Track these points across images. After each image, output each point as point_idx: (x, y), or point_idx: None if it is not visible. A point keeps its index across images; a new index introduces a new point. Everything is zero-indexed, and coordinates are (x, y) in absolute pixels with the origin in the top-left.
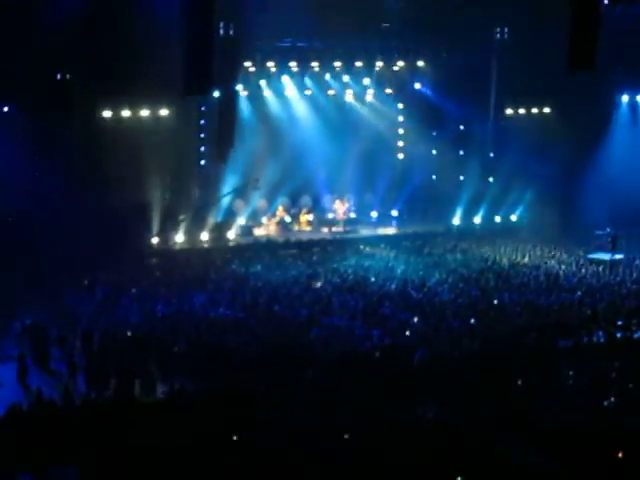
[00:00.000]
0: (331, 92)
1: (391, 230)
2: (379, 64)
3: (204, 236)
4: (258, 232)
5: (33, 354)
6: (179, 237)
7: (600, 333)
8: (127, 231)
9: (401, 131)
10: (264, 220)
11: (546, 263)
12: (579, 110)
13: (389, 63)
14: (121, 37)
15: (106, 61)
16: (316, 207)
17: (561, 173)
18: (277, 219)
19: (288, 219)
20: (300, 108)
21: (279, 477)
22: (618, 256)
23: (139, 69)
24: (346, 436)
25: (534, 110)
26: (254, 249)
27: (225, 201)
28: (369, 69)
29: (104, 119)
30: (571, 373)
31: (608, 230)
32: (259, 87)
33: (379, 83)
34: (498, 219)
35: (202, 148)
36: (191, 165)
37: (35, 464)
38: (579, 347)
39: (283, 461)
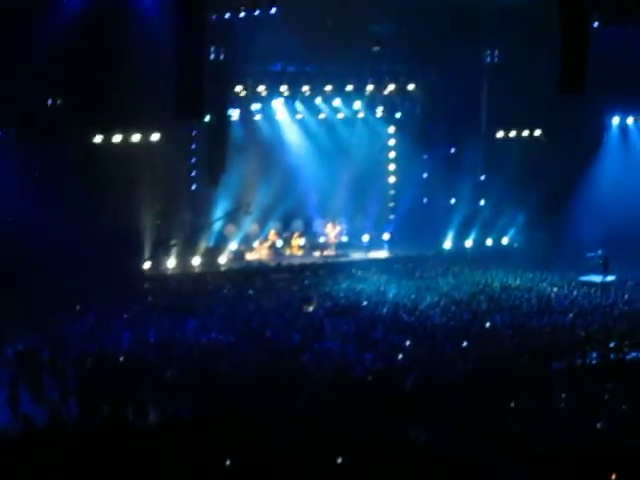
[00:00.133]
0: (322, 116)
1: (383, 254)
2: (370, 88)
3: (196, 261)
4: (250, 256)
5: (25, 379)
6: (171, 262)
7: (593, 355)
8: (118, 256)
9: (392, 154)
10: (256, 244)
11: (538, 285)
12: (570, 133)
13: (380, 86)
14: (112, 62)
15: (97, 86)
16: (308, 231)
17: (552, 196)
18: (269, 243)
19: (280, 243)
20: (291, 132)
21: None
22: (610, 278)
23: (130, 94)
24: (339, 460)
25: (525, 133)
26: (246, 274)
27: (217, 226)
28: (360, 93)
29: (95, 144)
30: (564, 395)
31: (599, 252)
32: (250, 111)
33: (370, 106)
34: (489, 242)
35: (193, 173)
36: (182, 190)
37: None
38: (572, 369)
39: None
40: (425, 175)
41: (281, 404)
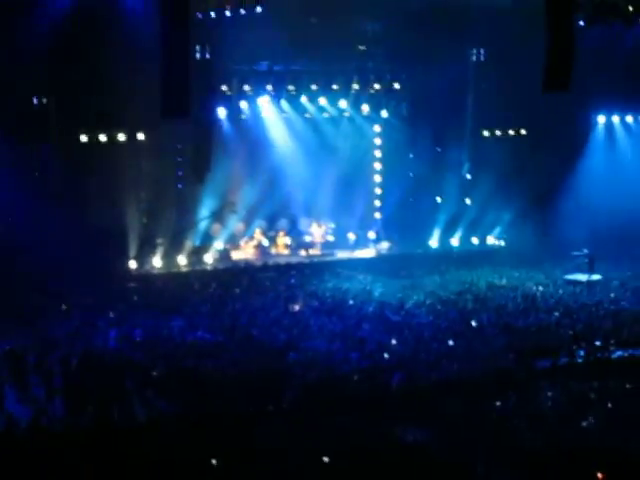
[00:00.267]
0: (307, 115)
1: (368, 252)
2: (355, 87)
3: (182, 260)
4: (236, 255)
5: (10, 378)
6: (157, 261)
7: (578, 354)
8: (104, 255)
9: (378, 153)
10: (242, 243)
11: (523, 284)
12: (556, 131)
13: (365, 85)
14: (98, 61)
15: (83, 85)
16: (293, 230)
17: (538, 194)
18: (255, 242)
19: (266, 242)
20: (277, 131)
21: None
22: (595, 277)
23: (116, 93)
24: (325, 459)
25: (511, 132)
26: (232, 272)
27: (202, 225)
28: (345, 91)
29: (80, 143)
30: (549, 394)
31: (585, 251)
32: (236, 110)
33: (355, 105)
34: (475, 241)
35: (179, 172)
36: (168, 189)
37: None
38: (557, 368)
39: None
40: (411, 174)
41: (267, 403)
